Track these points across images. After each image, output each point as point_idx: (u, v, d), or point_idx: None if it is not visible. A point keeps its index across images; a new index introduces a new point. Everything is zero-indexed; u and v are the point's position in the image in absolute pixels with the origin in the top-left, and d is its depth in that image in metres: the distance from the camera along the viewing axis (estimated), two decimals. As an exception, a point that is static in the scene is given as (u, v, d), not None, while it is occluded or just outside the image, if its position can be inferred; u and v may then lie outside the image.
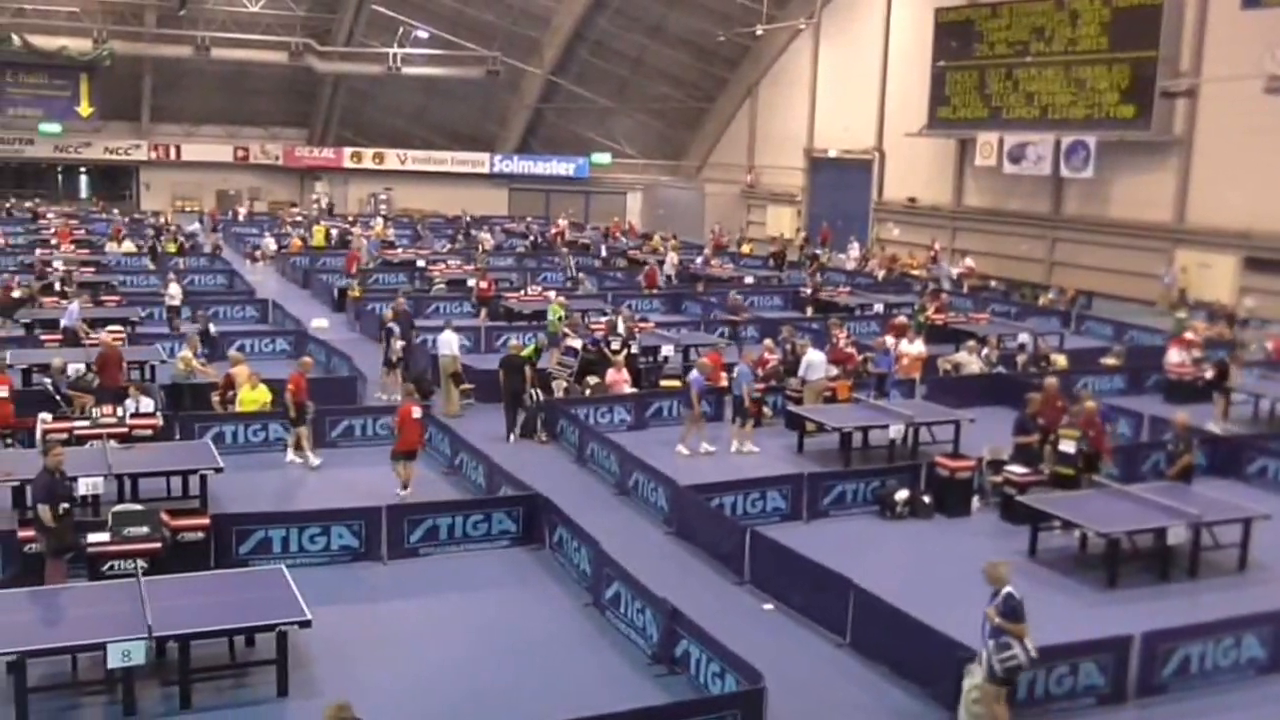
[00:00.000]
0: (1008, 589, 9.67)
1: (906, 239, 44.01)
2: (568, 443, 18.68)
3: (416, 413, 16.31)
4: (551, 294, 27.51)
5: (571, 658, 11.54)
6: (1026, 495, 15.14)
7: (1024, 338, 26.02)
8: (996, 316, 30.27)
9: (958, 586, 13.54)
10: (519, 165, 56.85)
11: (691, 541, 14.53)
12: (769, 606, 12.81)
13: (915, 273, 38.61)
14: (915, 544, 15.20)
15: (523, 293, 30.65)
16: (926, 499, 16.03)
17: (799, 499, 15.65)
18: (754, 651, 10.28)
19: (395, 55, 50.83)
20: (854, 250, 43.46)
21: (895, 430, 18.02)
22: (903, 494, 15.97)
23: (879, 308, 30.65)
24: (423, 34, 50.65)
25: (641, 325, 24.44)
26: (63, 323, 22.71)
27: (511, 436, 19.01)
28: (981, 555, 14.51)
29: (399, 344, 21.22)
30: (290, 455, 17.32)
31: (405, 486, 15.91)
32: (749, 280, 36.08)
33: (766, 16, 45.99)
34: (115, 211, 47.89)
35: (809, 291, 32.68)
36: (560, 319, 23.84)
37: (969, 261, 38.31)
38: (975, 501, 16.23)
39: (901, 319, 25.60)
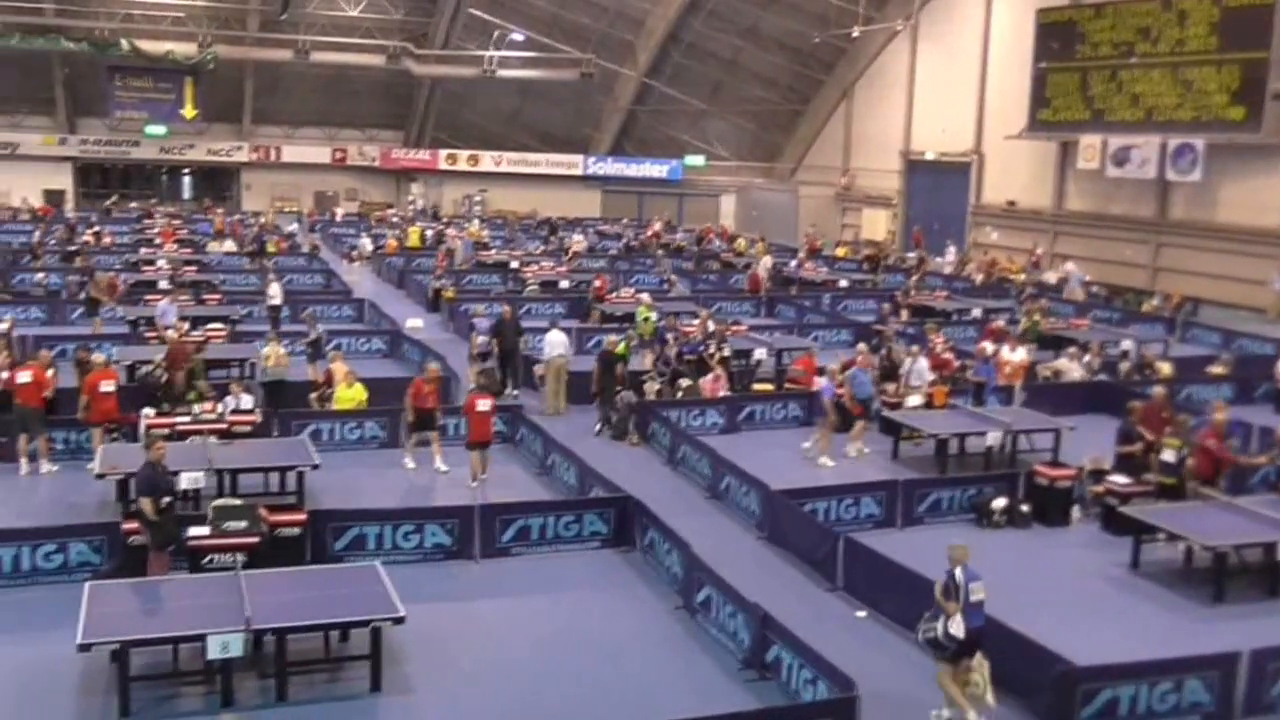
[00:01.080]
0: (957, 568, 10.19)
1: (1005, 243, 43.19)
2: (659, 445, 18.63)
3: (482, 405, 16.50)
4: (644, 296, 27.46)
5: (661, 660, 11.47)
6: (1129, 506, 14.71)
7: (1127, 345, 25.33)
8: (1098, 323, 29.52)
9: (1057, 598, 13.27)
10: (612, 167, 57.00)
11: (783, 546, 14.38)
12: (862, 614, 12.62)
13: (1014, 278, 37.83)
14: (1012, 554, 14.83)
15: (615, 295, 30.68)
16: (1024, 508, 15.67)
17: (893, 505, 15.41)
18: (846, 659, 10.12)
19: (491, 58, 51.31)
20: (951, 254, 42.75)
21: (993, 437, 17.65)
22: (1000, 502, 15.63)
23: (976, 313, 30.10)
24: (518, 37, 51.05)
25: (734, 328, 24.29)
26: (160, 321, 23.12)
27: (599, 426, 19.15)
28: (1082, 566, 14.31)
29: (481, 338, 21.58)
30: (408, 461, 17.18)
31: (475, 478, 16.26)
32: (843, 284, 35.69)
33: (863, 18, 45.46)
34: (220, 212, 48.91)
35: (900, 298, 32.19)
36: (648, 320, 23.78)
37: (1070, 266, 37.41)
38: (1075, 512, 15.82)
39: (999, 324, 25.10)
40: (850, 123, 52.68)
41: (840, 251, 44.56)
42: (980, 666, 10.14)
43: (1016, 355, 21.13)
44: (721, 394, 20.54)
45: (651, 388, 20.49)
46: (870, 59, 50.46)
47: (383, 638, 10.50)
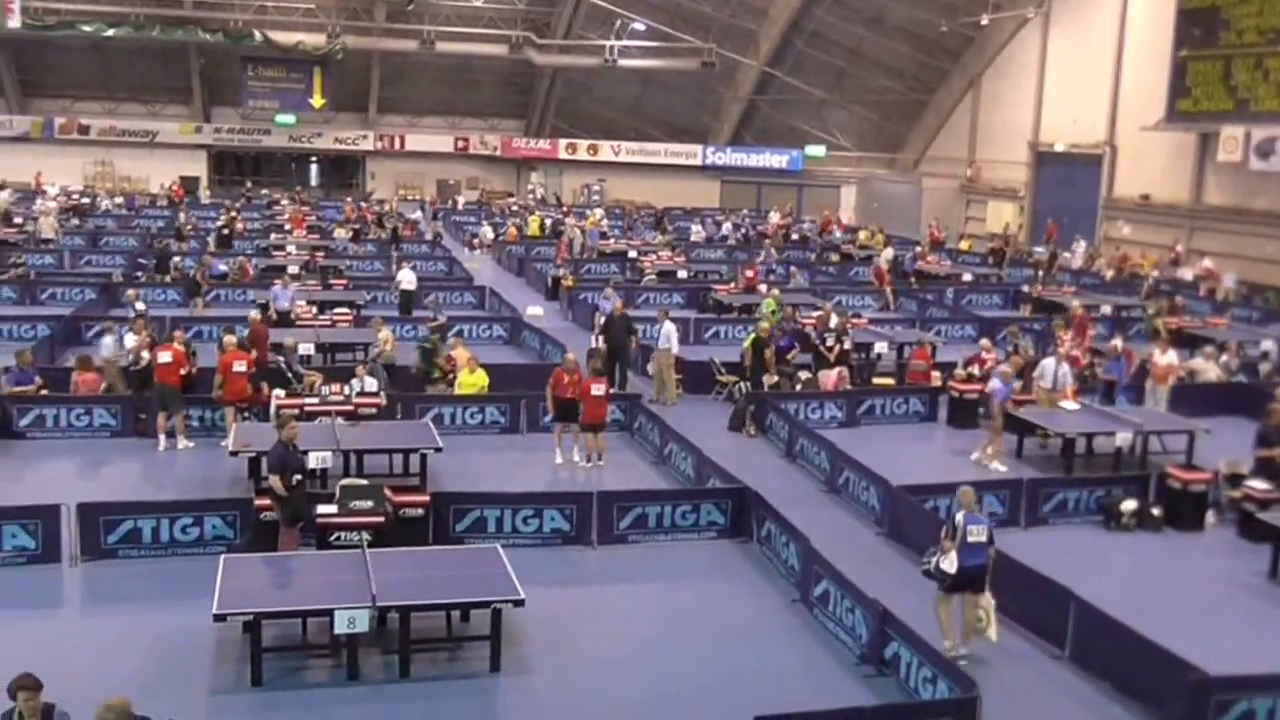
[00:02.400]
0: (960, 511, 11.10)
1: (1138, 238, 41.81)
2: (776, 437, 18.53)
3: (596, 389, 16.67)
4: (763, 287, 27.31)
5: (778, 652, 11.43)
6: (1268, 512, 14.15)
7: (1268, 345, 24.30)
8: (1237, 321, 28.44)
9: (1190, 604, 12.86)
10: (731, 157, 56.79)
11: (903, 543, 14.18)
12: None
13: (1147, 273, 36.62)
14: (1142, 557, 14.43)
15: (732, 285, 30.60)
16: (1156, 511, 15.21)
17: (1018, 505, 15.09)
18: (966, 659, 9.95)
19: (612, 47, 51.51)
20: (1080, 248, 41.53)
21: (1123, 438, 17.13)
22: (1130, 505, 15.19)
23: (1106, 309, 29.24)
24: (639, 26, 51.17)
25: (854, 321, 24.02)
26: (276, 305, 23.68)
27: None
28: (1216, 573, 13.83)
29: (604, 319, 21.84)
30: (557, 455, 17.14)
31: (589, 459, 16.57)
32: (966, 277, 35.03)
33: (993, 5, 44.47)
34: (350, 200, 49.99)
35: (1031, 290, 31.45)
36: (774, 312, 23.64)
37: (1207, 263, 36.08)
38: (1210, 516, 15.31)
39: (1079, 311, 24.29)
40: (977, 113, 51.58)
41: (964, 245, 43.69)
42: (986, 603, 11.03)
43: (1167, 358, 20.23)
44: (841, 387, 20.35)
45: (769, 380, 20.38)
46: (999, 47, 49.31)
47: (503, 619, 10.64)
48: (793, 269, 34.01)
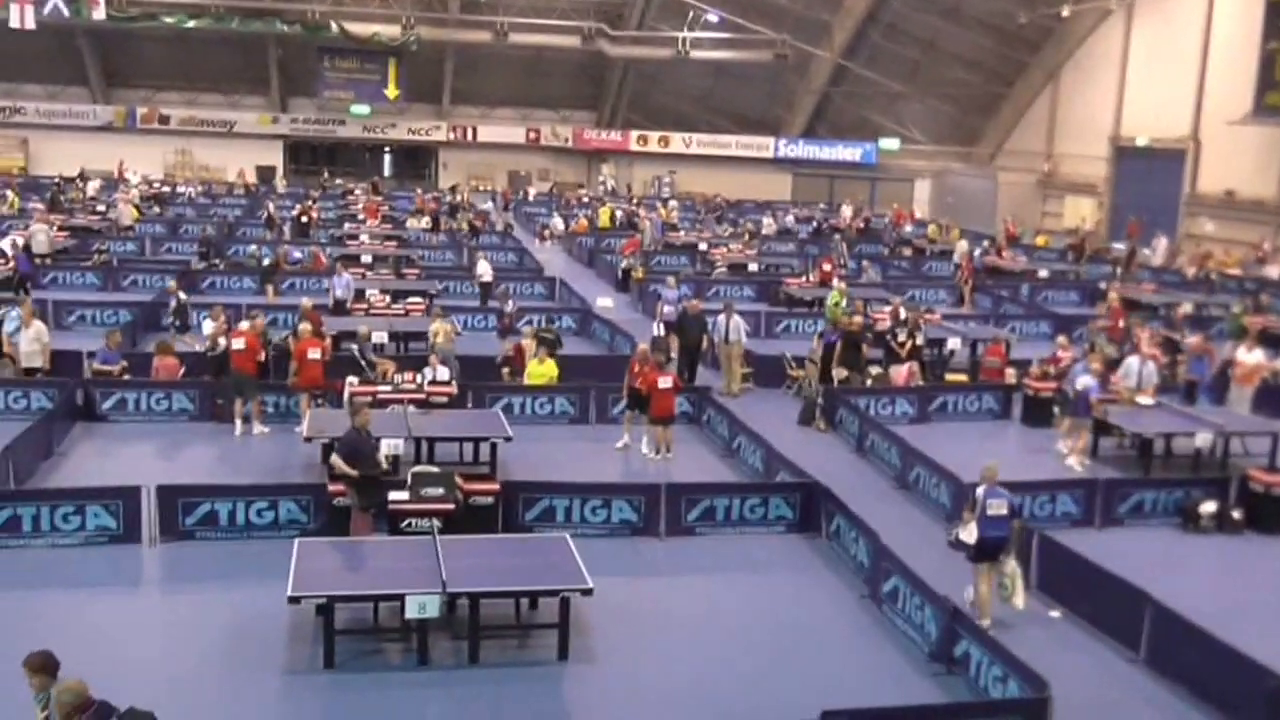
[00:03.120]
0: (982, 486, 11.76)
1: (1221, 235, 40.84)
2: (847, 432, 18.39)
3: (664, 382, 16.69)
4: (835, 281, 27.10)
5: (845, 648, 11.37)
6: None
7: (1357, 346, 23.62)
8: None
9: (1270, 609, 12.56)
10: (804, 150, 56.38)
11: (974, 541, 14.00)
12: (1055, 613, 12.22)
13: (1232, 272, 35.74)
14: (1222, 561, 14.13)
15: (804, 279, 30.41)
16: (1237, 514, 14.86)
17: (1092, 504, 14.84)
18: (1038, 658, 9.86)
19: (684, 39, 51.40)
20: (1161, 245, 40.65)
21: (1203, 439, 16.75)
22: (1209, 507, 14.88)
23: (1187, 308, 28.57)
24: (713, 17, 50.95)
25: (927, 317, 23.75)
26: (334, 293, 23.83)
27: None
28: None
29: (668, 308, 22.07)
30: (645, 449, 17.14)
31: (657, 451, 16.63)
32: (1043, 274, 34.45)
33: (1074, -3, 43.70)
34: (420, 190, 50.40)
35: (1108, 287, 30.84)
36: (838, 305, 23.46)
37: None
38: (1295, 520, 14.91)
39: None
40: (1055, 106, 50.72)
41: (1039, 240, 42.99)
42: (1012, 571, 11.61)
43: (1252, 357, 19.74)
44: (913, 383, 20.15)
45: (839, 374, 20.24)
46: (1080, 40, 48.43)
47: (571, 608, 10.70)
48: (864, 263, 33.72)
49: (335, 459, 12.70)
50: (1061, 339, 21.61)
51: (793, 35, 50.96)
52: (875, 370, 20.69)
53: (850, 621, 11.95)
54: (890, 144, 54.90)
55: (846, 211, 47.11)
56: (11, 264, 25.90)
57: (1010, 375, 20.69)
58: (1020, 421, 19.67)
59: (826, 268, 30.12)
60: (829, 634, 11.66)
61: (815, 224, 45.05)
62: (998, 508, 11.56)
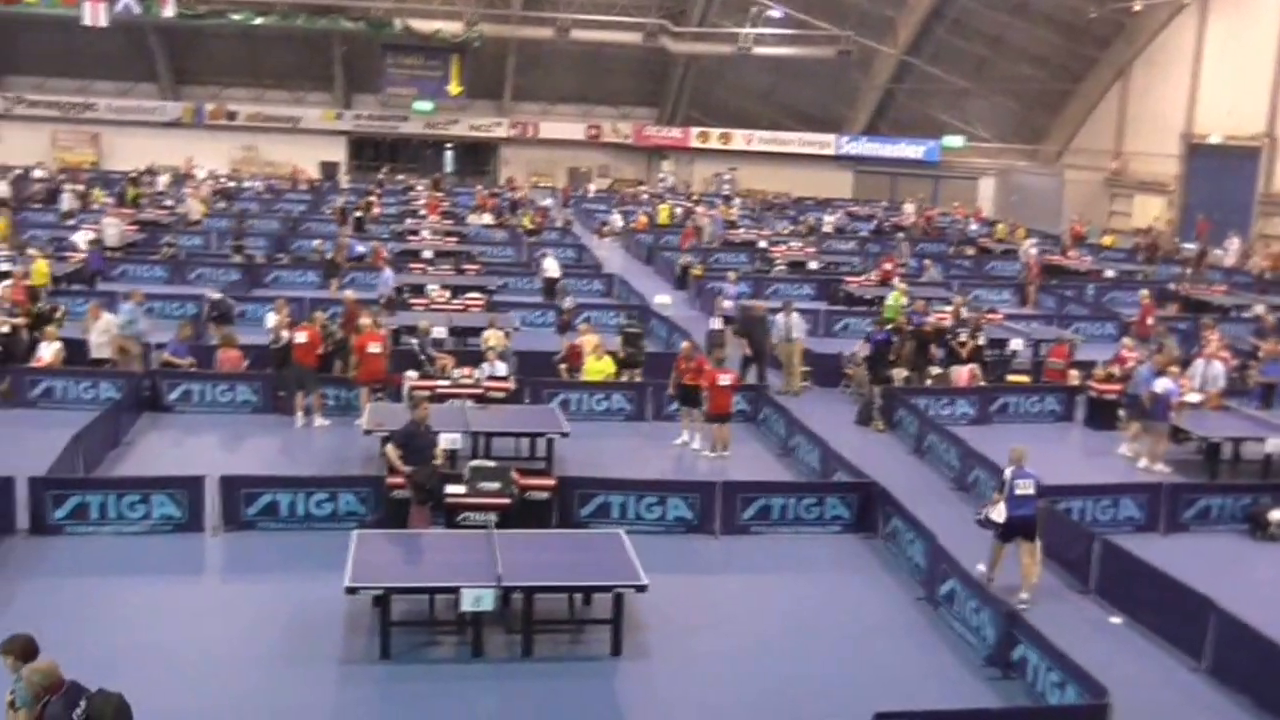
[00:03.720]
0: (1010, 467, 12.34)
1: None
2: (905, 433, 18.23)
3: (723, 379, 16.70)
4: (896, 280, 26.88)
5: (901, 650, 11.27)
6: None
7: None
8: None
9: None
10: (866, 147, 55.94)
11: (1034, 544, 13.82)
12: (1116, 620, 12.03)
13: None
14: (1291, 570, 13.80)
15: (865, 277, 30.19)
16: (1308, 522, 14.52)
17: (1156, 509, 14.59)
18: (1097, 665, 9.69)
19: (747, 35, 51.20)
20: (1234, 245, 39.76)
21: (1273, 445, 16.39)
22: (1278, 514, 14.52)
23: (1259, 309, 27.96)
24: (776, 13, 50.75)
25: (989, 317, 23.47)
26: (379, 289, 23.87)
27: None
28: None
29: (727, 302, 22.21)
30: (696, 444, 17.14)
31: (713, 449, 16.61)
32: (1109, 274, 33.88)
33: (1146, -9, 42.88)
34: (480, 187, 50.69)
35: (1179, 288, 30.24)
36: (899, 305, 23.24)
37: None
38: (1367, 530, 14.54)
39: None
40: (1125, 103, 49.82)
41: (1106, 240, 42.28)
42: (1033, 551, 12.17)
43: None
44: (974, 384, 19.93)
45: (900, 374, 20.06)
46: (1151, 35, 47.52)
47: (624, 604, 10.71)
48: (926, 262, 33.36)
49: (389, 448, 12.83)
50: (1126, 340, 21.27)
51: (856, 31, 50.59)
52: (935, 370, 20.48)
53: (906, 623, 11.85)
54: (954, 141, 54.28)
55: (909, 209, 46.67)
56: (85, 258, 26.48)
57: (1074, 377, 20.38)
58: (1084, 424, 19.37)
59: (888, 266, 29.87)
60: (884, 635, 11.57)
61: (876, 222, 44.68)
62: (1025, 488, 12.11)
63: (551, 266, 27.96)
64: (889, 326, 20.58)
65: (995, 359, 21.64)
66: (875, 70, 53.81)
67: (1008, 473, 12.29)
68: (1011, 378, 21.08)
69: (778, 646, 11.18)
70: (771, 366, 21.27)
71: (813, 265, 32.94)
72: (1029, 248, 34.14)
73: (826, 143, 56.06)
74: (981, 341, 20.81)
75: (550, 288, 27.17)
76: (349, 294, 21.44)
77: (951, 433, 16.97)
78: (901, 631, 11.68)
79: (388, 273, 24.55)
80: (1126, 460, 17.32)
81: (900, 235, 39.89)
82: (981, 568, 12.35)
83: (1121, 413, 18.41)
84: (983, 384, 20.08)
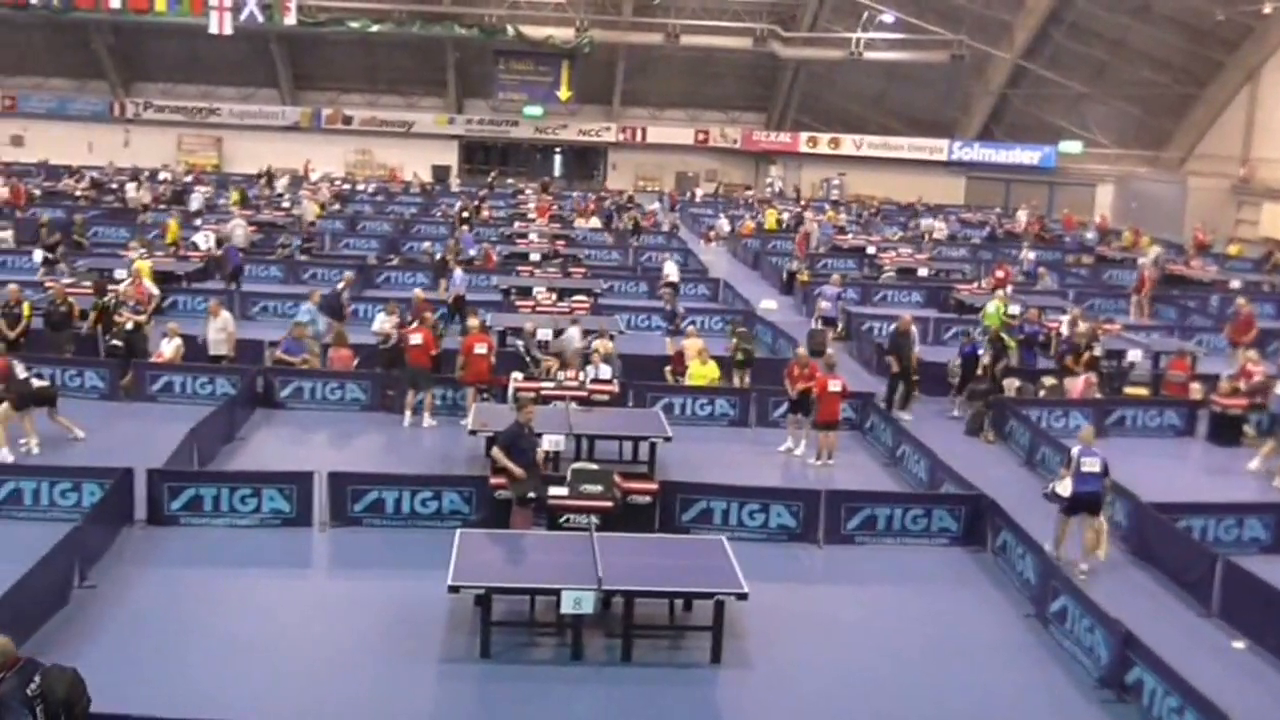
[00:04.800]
0: (1078, 446, 13.21)
1: None
2: (1016, 444, 17.77)
3: (833, 386, 16.45)
4: (1002, 289, 26.24)
5: (1009, 668, 10.95)
6: None
7: None
8: None
9: None
10: (979, 153, 54.87)
11: (1151, 563, 13.36)
12: (1239, 644, 11.53)
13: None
14: None
15: (976, 285, 29.56)
16: None
17: (1287, 531, 13.96)
18: (1219, 691, 9.27)
19: (858, 40, 50.64)
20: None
21: None
22: None
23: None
24: (888, 18, 50.06)
25: (1106, 327, 22.78)
26: (452, 290, 23.76)
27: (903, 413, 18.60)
28: None
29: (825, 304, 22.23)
30: (801, 451, 17.00)
31: (818, 456, 16.43)
32: (1235, 284, 32.66)
33: (1277, -8, 41.24)
34: (591, 193, 50.98)
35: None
36: (1000, 314, 22.65)
37: None
38: None
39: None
40: (1254, 108, 47.96)
41: (1232, 249, 40.77)
42: (1100, 526, 13.03)
43: None
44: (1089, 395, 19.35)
45: (1012, 385, 19.57)
46: (1282, 38, 45.78)
47: (725, 611, 10.59)
48: (1040, 270, 32.54)
49: (496, 450, 12.90)
50: (1252, 353, 20.43)
51: (970, 35, 49.66)
52: (1049, 381, 19.94)
53: (1013, 640, 11.52)
54: (1072, 147, 52.87)
55: (1023, 217, 45.61)
56: (219, 255, 27.23)
57: (1196, 391, 19.66)
58: (1206, 439, 18.68)
59: (1000, 274, 29.22)
60: (990, 652, 11.26)
61: (989, 229, 43.77)
62: (1091, 465, 12.88)
63: (671, 270, 27.84)
64: (986, 337, 20.08)
65: (1112, 370, 20.98)
66: (989, 75, 52.73)
67: (1075, 450, 13.07)
68: (1129, 390, 20.42)
69: (880, 661, 10.95)
70: (876, 374, 20.96)
71: (923, 272, 32.40)
72: (1151, 258, 32.98)
73: (938, 148, 55.13)
74: (1098, 352, 20.18)
75: (674, 290, 27.07)
76: (418, 292, 21.69)
77: (1065, 445, 16.43)
78: (1009, 649, 11.35)
79: (459, 274, 24.51)
80: (1256, 478, 16.62)
81: (1025, 243, 38.77)
82: (1049, 547, 12.78)
83: (1248, 428, 17.69)
84: (1099, 396, 19.48)
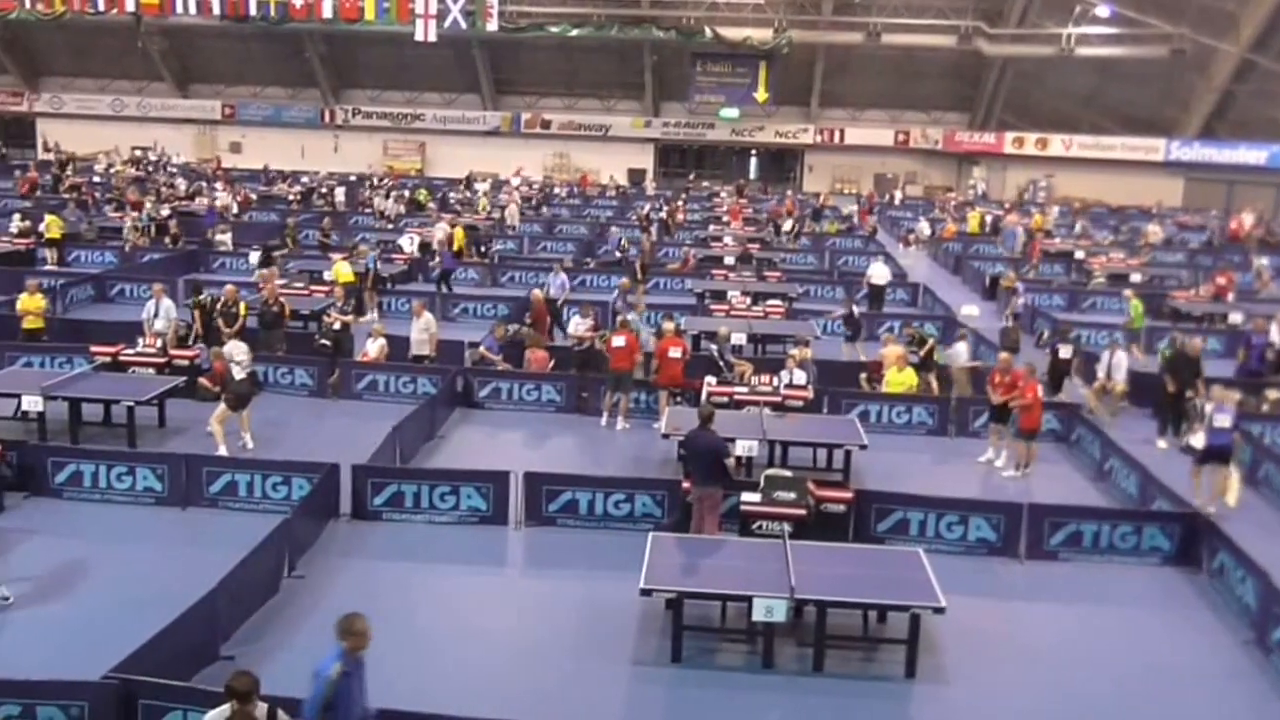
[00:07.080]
0: (1211, 403, 14.57)
1: None
2: (1237, 460, 16.68)
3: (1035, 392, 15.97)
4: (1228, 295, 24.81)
5: (1222, 696, 10.34)
6: None
7: None
8: None
9: None
10: (1199, 152, 51.93)
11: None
12: None
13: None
14: None
15: (1193, 292, 28.01)
16: None
17: None
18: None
19: (1069, 35, 48.67)
20: None
21: None
22: None
23: None
24: (1103, 12, 47.92)
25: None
26: (549, 293, 23.36)
27: (1162, 441, 17.53)
28: None
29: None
30: (1000, 463, 16.49)
31: (1017, 467, 16.02)
32: None
33: None
34: (789, 194, 50.70)
35: None
36: (1140, 313, 21.32)
37: None
38: None
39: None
40: None
41: None
42: (1229, 475, 14.44)
43: None
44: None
45: (1273, 395, 18.44)
46: None
47: (921, 625, 10.32)
48: (1263, 274, 30.58)
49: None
50: None
51: (1192, 29, 47.01)
52: (1273, 394, 18.70)
53: (1229, 667, 10.85)
54: (1303, 145, 49.54)
55: (1248, 219, 42.98)
56: (437, 258, 28.19)
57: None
58: None
59: (1221, 281, 27.60)
60: (1204, 679, 10.63)
61: (1209, 233, 41.42)
62: (1222, 420, 14.33)
63: (879, 272, 27.35)
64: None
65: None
66: (1213, 70, 49.82)
67: (1209, 407, 14.54)
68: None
69: (1083, 682, 10.47)
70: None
71: (1136, 278, 30.91)
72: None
73: (1155, 148, 52.42)
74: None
75: (878, 295, 26.62)
76: (536, 293, 21.80)
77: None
78: (1224, 676, 10.71)
79: (561, 277, 24.27)
80: None
81: (1251, 250, 36.53)
82: (1198, 501, 13.89)
83: None
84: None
